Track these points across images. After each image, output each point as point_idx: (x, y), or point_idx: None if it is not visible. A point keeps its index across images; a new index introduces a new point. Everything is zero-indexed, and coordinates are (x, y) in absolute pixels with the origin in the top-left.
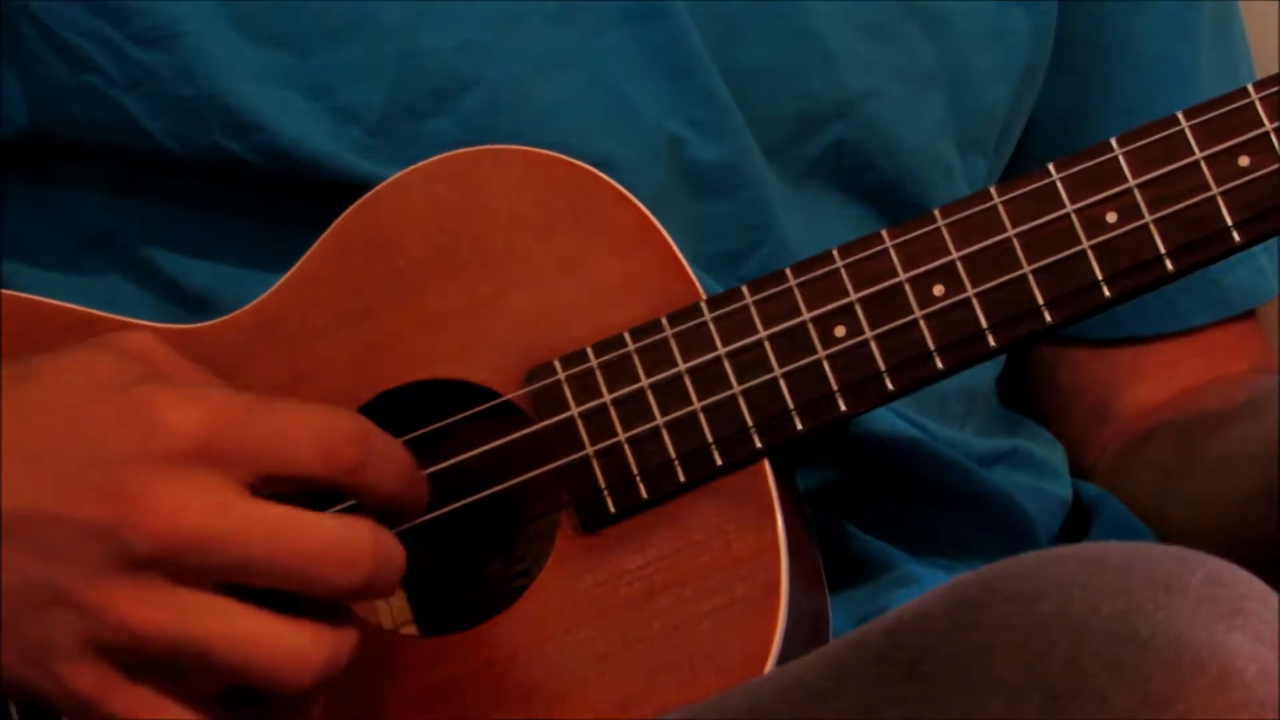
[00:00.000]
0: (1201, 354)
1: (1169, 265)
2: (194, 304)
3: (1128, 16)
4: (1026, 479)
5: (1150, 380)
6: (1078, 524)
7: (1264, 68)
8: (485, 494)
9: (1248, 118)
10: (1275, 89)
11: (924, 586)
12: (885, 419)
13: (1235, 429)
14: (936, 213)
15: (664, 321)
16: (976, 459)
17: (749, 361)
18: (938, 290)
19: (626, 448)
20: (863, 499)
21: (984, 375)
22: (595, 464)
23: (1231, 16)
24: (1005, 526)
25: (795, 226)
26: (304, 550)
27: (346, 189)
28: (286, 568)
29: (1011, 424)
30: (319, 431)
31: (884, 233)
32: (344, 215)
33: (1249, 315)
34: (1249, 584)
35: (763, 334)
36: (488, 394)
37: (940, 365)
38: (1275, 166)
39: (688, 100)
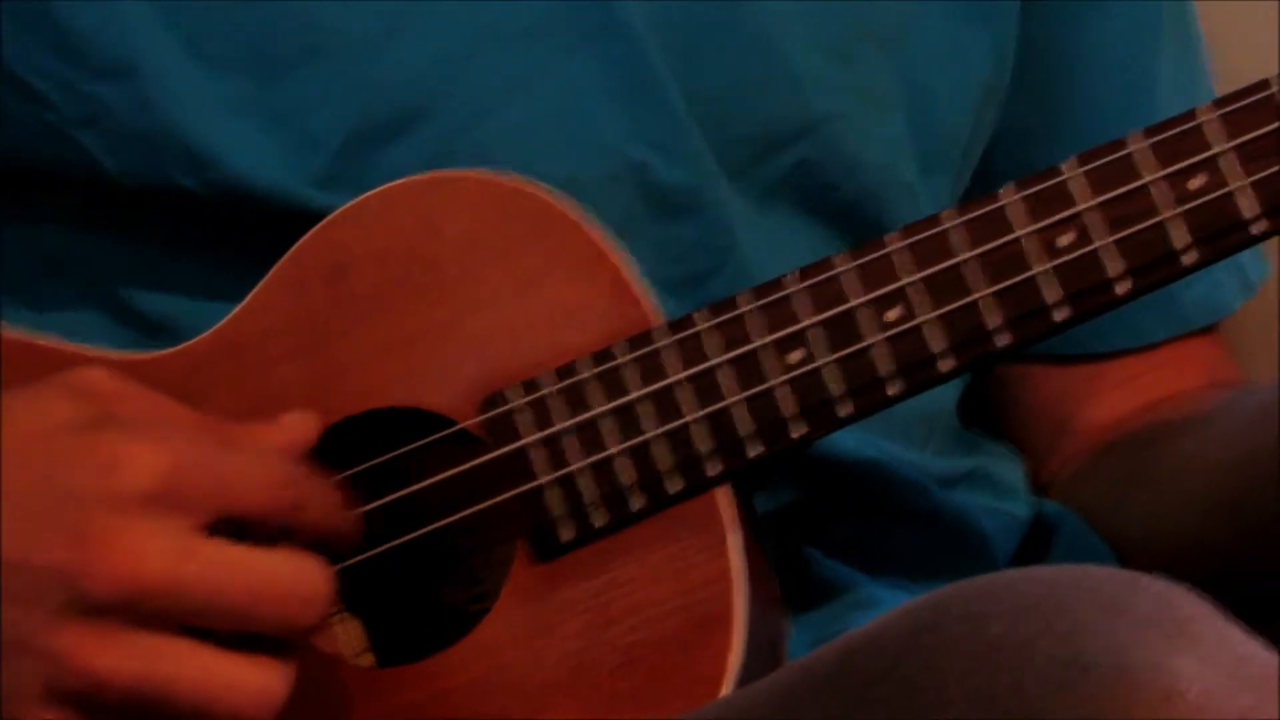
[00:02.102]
0: (1161, 369)
1: (1125, 287)
2: (155, 331)
3: (1087, 34)
4: (986, 499)
5: (1110, 396)
6: (1037, 542)
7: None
8: (436, 525)
9: (1202, 138)
10: (1230, 109)
11: (883, 608)
12: (845, 440)
13: (1191, 440)
14: (893, 235)
15: (619, 348)
16: (936, 480)
17: (704, 387)
18: (895, 314)
19: (580, 476)
20: (822, 521)
21: (945, 396)
22: (548, 493)
23: (1190, 31)
24: (964, 546)
25: (758, 248)
26: (264, 591)
27: (303, 219)
28: (248, 609)
29: (972, 443)
30: (266, 472)
31: (840, 256)
32: (301, 241)
33: (1209, 330)
34: (1195, 605)
35: (718, 359)
36: (446, 421)
37: (897, 389)
38: (1230, 188)
39: (651, 122)
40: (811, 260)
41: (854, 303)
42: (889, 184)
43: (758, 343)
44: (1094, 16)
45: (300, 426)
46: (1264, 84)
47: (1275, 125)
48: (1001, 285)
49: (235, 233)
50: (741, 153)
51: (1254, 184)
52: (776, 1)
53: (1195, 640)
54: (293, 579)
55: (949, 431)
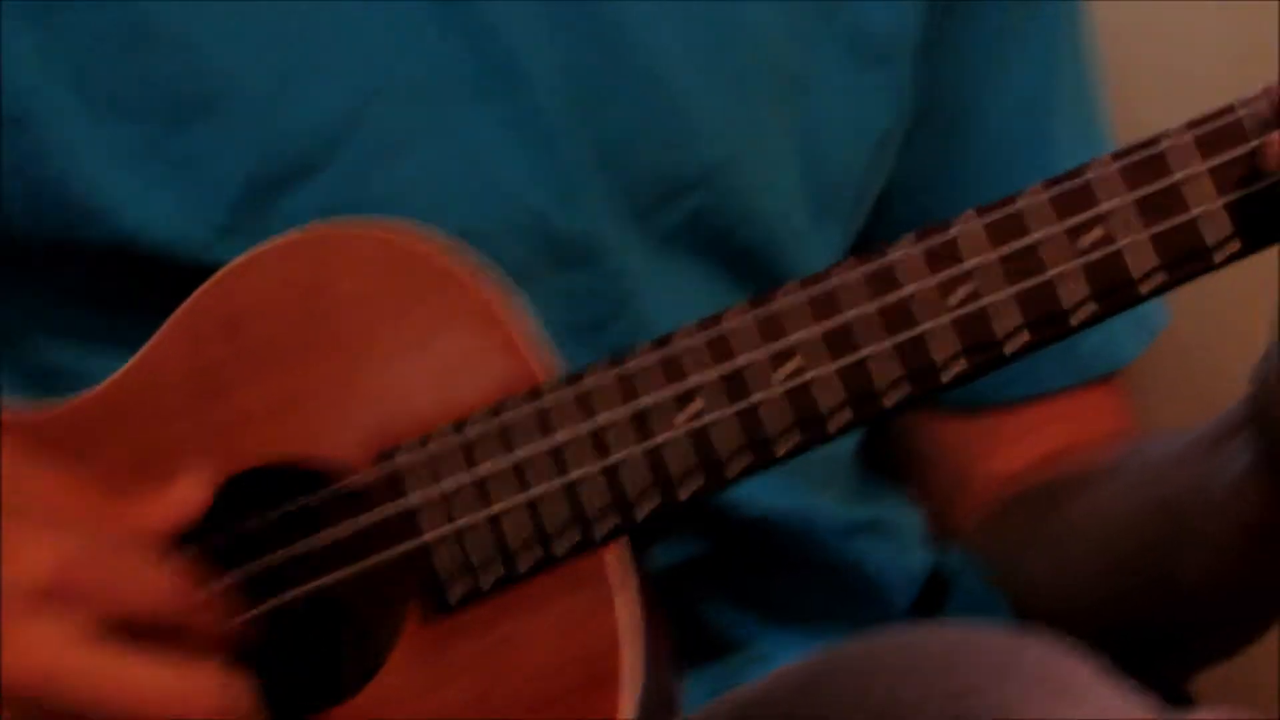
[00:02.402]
0: (1061, 419)
1: (1022, 340)
2: (53, 382)
3: (987, 85)
4: (886, 549)
5: (1010, 447)
6: (935, 594)
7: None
8: (322, 582)
9: (1102, 191)
10: (1127, 162)
11: (778, 663)
12: (745, 488)
13: (1092, 493)
14: (791, 286)
15: (512, 403)
16: (837, 529)
17: (598, 443)
18: (792, 367)
19: (470, 533)
20: (721, 571)
21: (846, 442)
22: (438, 550)
23: (1088, 80)
24: (863, 597)
25: (658, 295)
26: (148, 698)
27: (200, 271)
28: (131, 713)
29: (873, 492)
30: (154, 579)
31: (737, 308)
32: (196, 294)
33: (1108, 379)
34: (1080, 665)
35: (611, 415)
36: (340, 476)
37: (794, 444)
38: (1127, 241)
39: (549, 171)
40: (710, 306)
41: (750, 356)
42: (783, 230)
43: (653, 397)
44: (994, 68)
45: (191, 493)
46: (1159, 139)
47: (1172, 179)
48: (898, 339)
49: (133, 284)
50: (639, 200)
51: (1152, 238)
52: (675, 49)
53: (1079, 700)
54: (178, 687)
55: (849, 478)
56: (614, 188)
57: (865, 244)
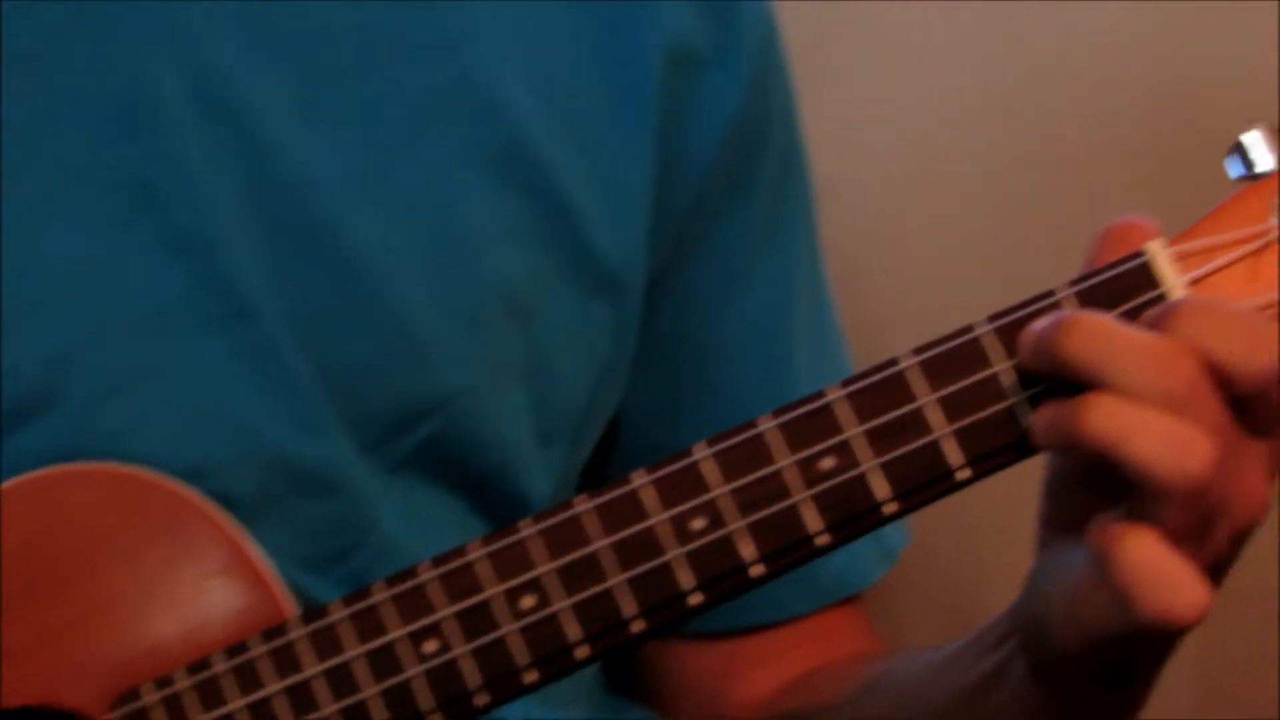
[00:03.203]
0: (807, 641)
1: (759, 570)
2: None
3: (720, 314)
4: None
5: (758, 671)
6: None
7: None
8: None
9: (832, 419)
10: (856, 388)
11: None
12: None
13: (847, 714)
14: (527, 521)
15: (253, 642)
16: None
17: (339, 680)
18: (528, 602)
19: None
20: None
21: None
22: None
23: (824, 309)
24: None
25: (397, 522)
26: None
27: None
28: None
29: (618, 710)
30: None
31: (474, 544)
32: None
33: (851, 599)
34: None
35: (353, 652)
36: None
37: (534, 678)
38: (860, 469)
39: (283, 402)
40: (450, 531)
41: (488, 592)
42: (516, 456)
43: (392, 634)
44: (727, 301)
45: None
46: (891, 362)
47: (906, 408)
48: (635, 572)
49: None
50: (374, 429)
51: (883, 465)
52: (406, 278)
53: None
54: None
55: (594, 695)
56: (348, 417)
57: (607, 472)
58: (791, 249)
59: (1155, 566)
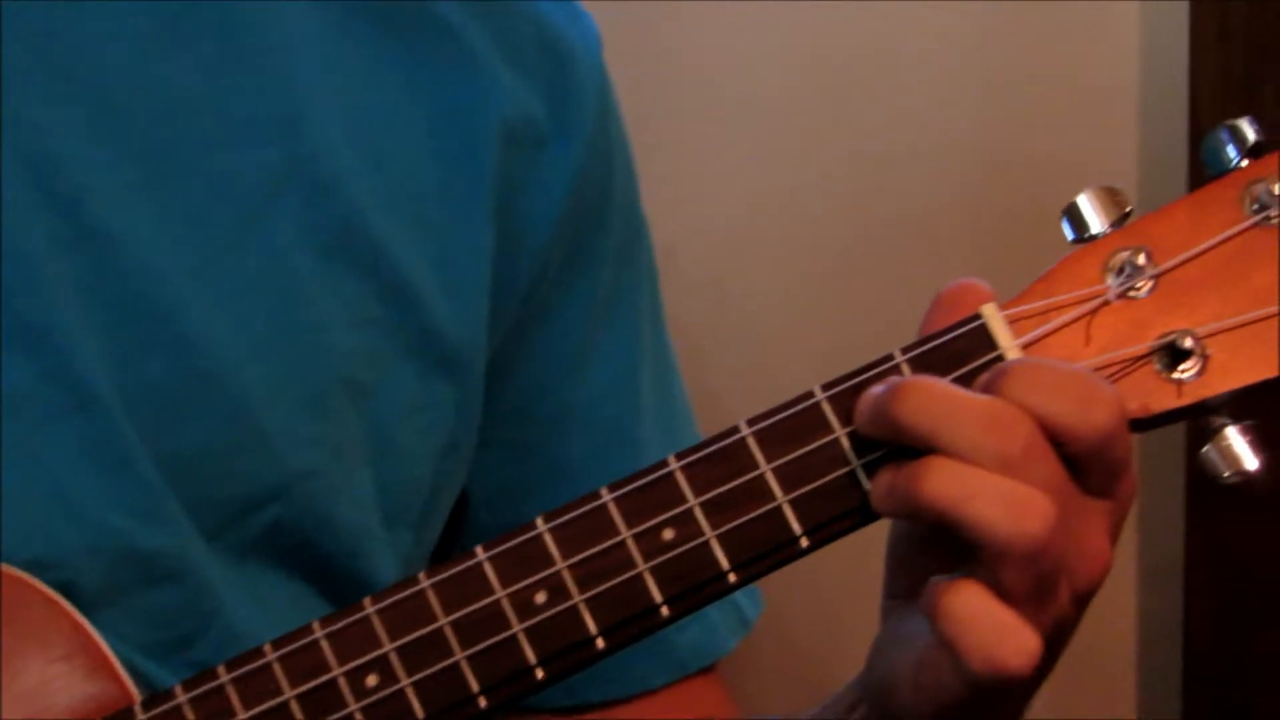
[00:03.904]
0: (666, 713)
1: (602, 644)
2: None
3: (565, 386)
4: None
5: None
6: None
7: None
8: None
9: (671, 491)
10: (693, 459)
11: None
12: None
13: None
14: (368, 600)
15: None
16: None
17: None
18: (371, 681)
19: None
20: None
21: None
22: None
23: (670, 376)
24: None
25: (242, 608)
26: None
27: None
28: None
29: None
30: None
31: (316, 623)
32: None
33: (709, 670)
34: None
35: None
36: None
37: None
38: (701, 540)
39: (127, 491)
40: (295, 614)
41: (333, 673)
42: (360, 539)
43: (240, 718)
44: (571, 373)
45: None
46: (731, 431)
47: (745, 477)
48: (478, 648)
49: None
50: (218, 515)
51: (723, 535)
52: (244, 362)
53: None
54: None
55: None
56: (191, 503)
57: (458, 552)
58: (635, 318)
59: (978, 616)
